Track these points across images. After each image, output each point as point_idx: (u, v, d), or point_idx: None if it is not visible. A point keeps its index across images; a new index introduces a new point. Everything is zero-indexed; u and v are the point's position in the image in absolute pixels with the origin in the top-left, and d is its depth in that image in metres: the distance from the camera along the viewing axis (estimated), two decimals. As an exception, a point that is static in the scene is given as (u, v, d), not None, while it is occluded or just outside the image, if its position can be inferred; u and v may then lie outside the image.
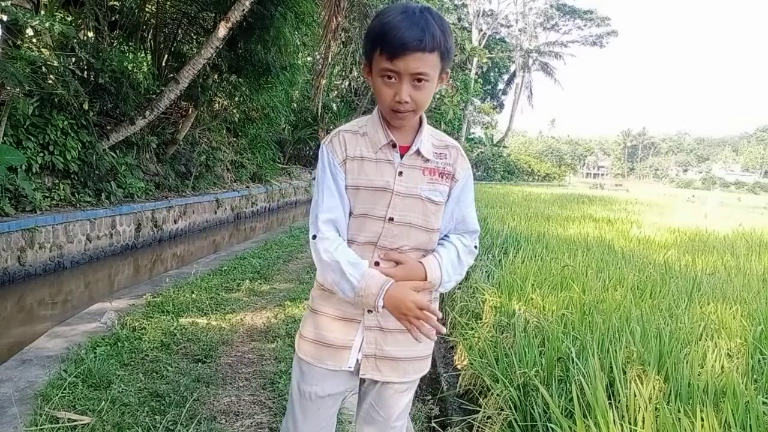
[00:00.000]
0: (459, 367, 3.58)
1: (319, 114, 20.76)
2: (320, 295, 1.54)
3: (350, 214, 1.47)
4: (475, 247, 1.59)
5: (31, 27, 7.57)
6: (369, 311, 1.46)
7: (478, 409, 2.71)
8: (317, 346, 1.51)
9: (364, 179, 1.44)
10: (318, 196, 1.45)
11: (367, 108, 23.79)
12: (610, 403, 2.19)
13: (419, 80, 1.35)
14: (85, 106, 8.39)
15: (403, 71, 1.33)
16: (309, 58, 20.06)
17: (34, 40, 8.25)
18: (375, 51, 1.36)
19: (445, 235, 1.55)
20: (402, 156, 1.45)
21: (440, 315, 1.43)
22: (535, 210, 12.49)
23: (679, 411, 2.06)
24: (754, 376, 2.64)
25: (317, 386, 1.52)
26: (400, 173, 1.44)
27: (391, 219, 1.44)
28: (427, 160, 1.46)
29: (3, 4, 6.82)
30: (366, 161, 1.45)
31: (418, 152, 1.45)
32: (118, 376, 3.18)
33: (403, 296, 1.37)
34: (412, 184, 1.45)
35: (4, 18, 7.06)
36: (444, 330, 1.41)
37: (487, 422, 2.57)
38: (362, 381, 1.56)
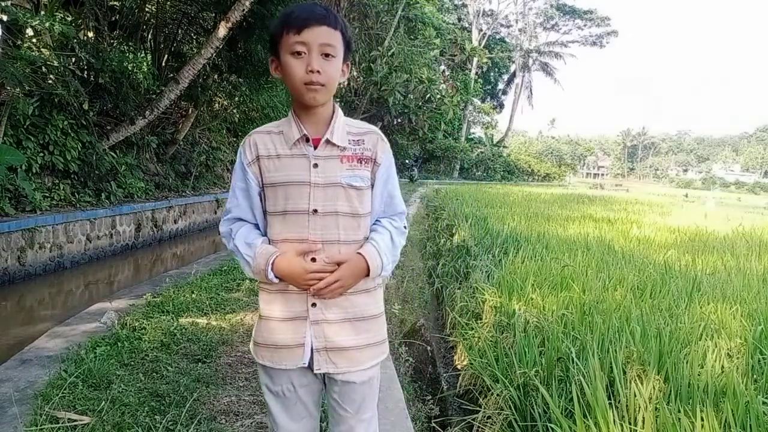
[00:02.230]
0: (459, 367, 3.58)
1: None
2: (266, 298, 1.56)
3: (270, 212, 1.51)
4: (405, 227, 1.62)
5: (31, 27, 7.57)
6: (313, 305, 1.49)
7: (478, 409, 2.71)
8: (272, 350, 1.53)
9: (281, 175, 1.48)
10: (229, 195, 1.57)
11: (366, 108, 23.82)
12: (610, 403, 2.19)
13: (327, 55, 1.42)
14: (85, 106, 8.39)
15: (311, 41, 1.40)
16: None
17: (34, 40, 8.25)
18: (282, 34, 1.43)
19: (377, 221, 1.58)
20: (315, 148, 1.48)
21: (333, 269, 1.45)
22: (535, 210, 12.49)
23: (679, 411, 2.06)
24: (754, 376, 2.64)
25: (286, 383, 1.54)
26: (315, 165, 1.47)
27: (315, 211, 1.46)
28: (344, 149, 1.49)
29: (3, 4, 6.83)
30: (282, 158, 1.49)
31: (330, 142, 1.48)
32: (118, 376, 3.18)
33: (288, 267, 1.44)
34: (331, 174, 1.47)
35: (4, 18, 7.06)
36: (334, 269, 1.45)
37: (487, 422, 2.57)
38: (324, 377, 1.56)
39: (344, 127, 1.52)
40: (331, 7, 1.54)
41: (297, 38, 1.40)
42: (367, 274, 1.48)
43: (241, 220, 1.56)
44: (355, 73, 24.17)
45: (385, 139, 1.56)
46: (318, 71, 1.40)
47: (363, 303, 1.53)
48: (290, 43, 1.41)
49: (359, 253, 1.48)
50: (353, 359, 1.52)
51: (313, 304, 1.48)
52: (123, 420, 2.67)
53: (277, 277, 1.46)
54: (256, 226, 1.56)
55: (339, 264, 1.45)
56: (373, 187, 1.53)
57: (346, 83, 24.63)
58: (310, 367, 1.51)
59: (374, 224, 1.57)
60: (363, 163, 1.50)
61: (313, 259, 1.46)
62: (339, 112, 1.53)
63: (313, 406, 1.59)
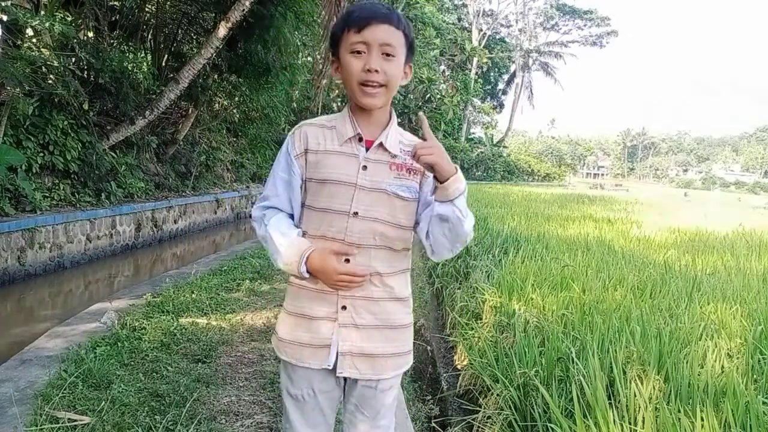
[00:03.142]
0: (459, 367, 3.58)
1: (319, 114, 20.74)
2: (294, 293, 1.53)
3: (309, 206, 1.48)
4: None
5: (31, 27, 7.57)
6: (343, 307, 1.46)
7: (478, 409, 2.71)
8: (296, 347, 1.50)
9: (326, 172, 1.45)
10: (268, 182, 1.53)
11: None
12: (610, 403, 2.19)
13: (388, 54, 1.38)
14: (85, 106, 8.38)
15: (371, 41, 1.37)
16: (309, 58, 20.05)
17: (34, 40, 8.25)
18: (343, 32, 1.40)
19: None
20: (367, 150, 1.45)
21: (364, 273, 1.43)
22: (535, 210, 12.49)
23: (679, 411, 2.06)
24: (754, 376, 2.64)
25: (307, 387, 1.52)
26: (365, 167, 1.43)
27: (356, 213, 1.42)
28: (394, 156, 1.45)
29: (3, 4, 6.82)
30: (330, 154, 1.45)
31: (382, 146, 1.45)
32: (118, 376, 3.18)
33: (322, 264, 1.40)
34: (378, 179, 1.43)
35: (4, 18, 7.06)
36: (365, 272, 1.42)
37: (487, 422, 2.57)
38: (345, 381, 1.55)
39: (397, 136, 1.48)
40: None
41: (357, 37, 1.37)
42: (453, 174, 1.35)
43: (274, 207, 1.52)
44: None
45: None
46: (376, 70, 1.37)
47: (394, 311, 1.50)
48: (351, 42, 1.38)
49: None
50: (377, 366, 1.49)
51: (344, 307, 1.46)
52: (123, 420, 2.67)
53: (308, 272, 1.42)
54: (291, 216, 1.52)
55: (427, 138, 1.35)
56: (419, 200, 1.49)
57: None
58: (333, 370, 1.48)
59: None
60: (412, 173, 1.46)
61: (347, 260, 1.43)
62: (395, 118, 1.49)
63: (330, 413, 1.57)
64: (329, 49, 1.50)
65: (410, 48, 1.45)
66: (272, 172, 1.53)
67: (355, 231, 1.43)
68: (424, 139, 1.37)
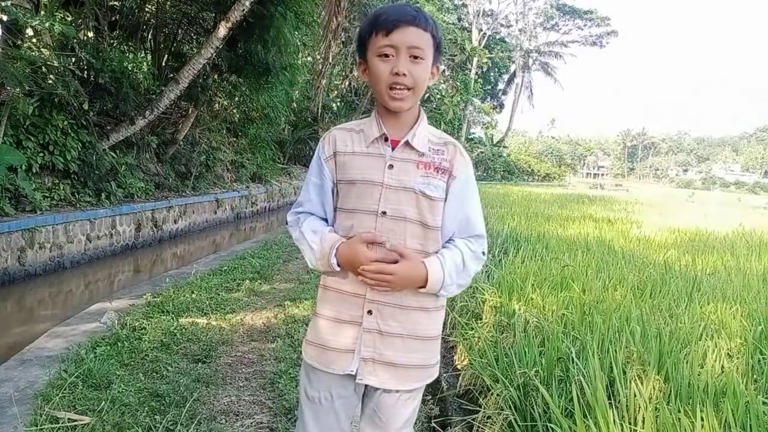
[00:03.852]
0: (459, 367, 3.58)
1: (319, 114, 20.76)
2: (322, 296, 1.53)
3: (340, 208, 1.49)
4: (483, 253, 1.54)
5: (31, 27, 7.57)
6: (369, 312, 1.45)
7: (478, 409, 2.70)
8: (321, 350, 1.50)
9: (354, 173, 1.46)
10: (302, 189, 1.56)
11: (366, 108, 23.80)
12: (610, 403, 2.18)
13: (416, 57, 1.38)
14: (85, 106, 8.39)
15: (399, 44, 1.37)
16: (309, 58, 20.05)
17: (34, 40, 8.25)
18: (371, 36, 1.40)
19: (451, 239, 1.51)
20: (393, 149, 1.45)
21: (396, 256, 1.41)
22: (535, 210, 12.48)
23: (679, 411, 2.06)
24: (754, 376, 2.64)
25: (325, 391, 1.51)
26: (390, 166, 1.43)
27: (384, 213, 1.43)
28: (422, 154, 1.45)
29: (3, 4, 6.83)
30: (357, 155, 1.46)
31: (409, 145, 1.45)
32: (118, 376, 3.18)
33: (352, 253, 1.40)
34: (405, 178, 1.43)
35: (4, 18, 7.06)
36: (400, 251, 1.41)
37: (487, 422, 2.56)
38: (365, 388, 1.53)
39: (426, 134, 1.48)
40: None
41: (385, 41, 1.37)
42: (423, 286, 1.42)
43: (307, 211, 1.54)
44: (355, 73, 24.15)
45: (466, 155, 1.52)
46: (404, 74, 1.36)
47: (422, 321, 1.49)
48: (378, 46, 1.38)
49: (422, 261, 1.42)
50: (398, 376, 1.48)
51: (369, 311, 1.45)
52: (123, 420, 2.67)
53: (339, 265, 1.42)
54: (326, 220, 1.53)
55: (401, 255, 1.39)
56: (446, 202, 1.48)
57: (347, 83, 24.66)
58: (354, 376, 1.47)
59: (448, 242, 1.50)
60: (439, 172, 1.46)
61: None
62: (423, 117, 1.49)
63: (345, 420, 1.55)
64: (357, 52, 1.50)
65: (438, 48, 1.44)
66: (306, 179, 1.55)
67: (385, 231, 1.43)
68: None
